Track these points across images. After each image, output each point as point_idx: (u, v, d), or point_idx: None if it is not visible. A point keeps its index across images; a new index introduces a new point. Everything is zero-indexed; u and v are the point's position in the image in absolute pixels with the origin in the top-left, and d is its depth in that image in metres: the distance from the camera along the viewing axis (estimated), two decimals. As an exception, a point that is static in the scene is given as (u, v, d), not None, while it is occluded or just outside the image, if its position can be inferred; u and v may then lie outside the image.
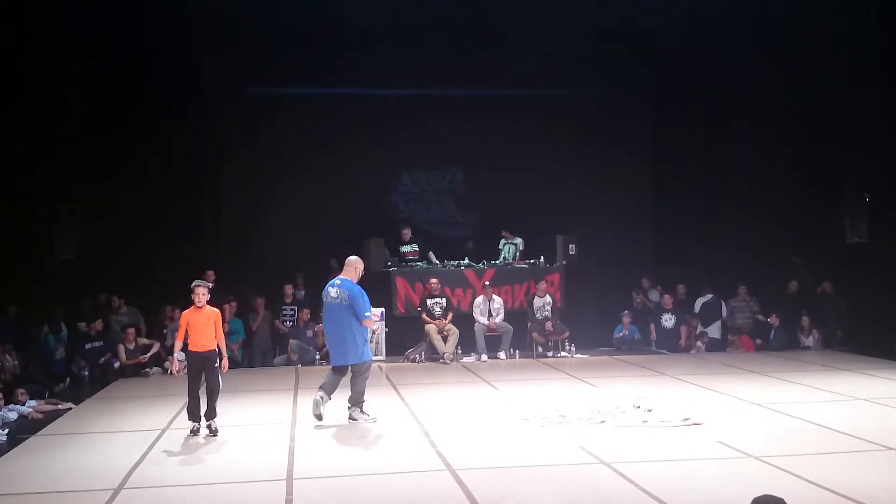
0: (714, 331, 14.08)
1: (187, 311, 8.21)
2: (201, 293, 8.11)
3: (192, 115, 14.63)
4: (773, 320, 13.69)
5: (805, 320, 13.53)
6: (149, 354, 12.07)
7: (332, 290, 8.51)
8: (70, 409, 9.45)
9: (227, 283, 13.40)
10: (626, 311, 14.29)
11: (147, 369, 11.92)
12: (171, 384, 11.13)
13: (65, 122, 13.57)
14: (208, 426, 7.97)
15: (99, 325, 12.21)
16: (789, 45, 14.71)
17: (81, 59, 13.84)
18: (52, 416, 9.05)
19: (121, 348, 11.99)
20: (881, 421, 8.09)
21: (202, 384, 8.03)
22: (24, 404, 9.25)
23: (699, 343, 13.75)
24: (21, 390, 9.50)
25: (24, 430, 8.40)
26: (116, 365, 11.89)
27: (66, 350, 12.08)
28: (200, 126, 14.88)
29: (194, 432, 7.98)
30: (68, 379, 11.51)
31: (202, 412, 8.00)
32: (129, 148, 14.10)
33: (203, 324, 8.05)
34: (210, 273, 12.83)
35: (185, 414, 8.09)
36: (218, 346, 8.11)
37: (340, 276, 8.62)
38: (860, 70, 13.35)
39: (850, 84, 13.51)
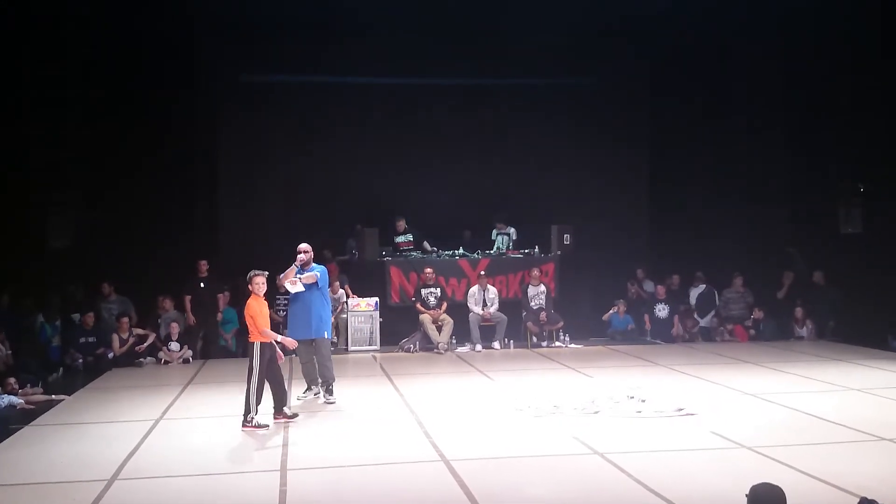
0: (708, 321, 14.11)
1: (254, 301, 7.87)
2: (261, 282, 7.88)
3: (186, 104, 14.55)
4: (757, 314, 13.73)
5: (799, 311, 13.56)
6: (145, 345, 12.04)
7: None
8: (63, 399, 9.41)
9: (221, 273, 13.35)
10: (621, 300, 14.28)
11: (141, 359, 11.89)
12: (165, 374, 11.15)
13: (59, 112, 13.50)
14: (249, 420, 7.71)
15: (91, 318, 12.16)
16: (788, 38, 14.63)
17: (75, 49, 13.75)
18: (44, 407, 9.01)
19: (115, 338, 11.96)
20: (874, 411, 8.12)
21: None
22: (15, 394, 9.21)
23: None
24: (12, 379, 9.47)
25: (16, 420, 8.37)
26: (110, 356, 11.86)
27: (61, 340, 12.03)
28: (194, 115, 14.79)
29: (291, 416, 7.95)
30: (62, 369, 11.48)
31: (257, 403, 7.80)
32: (123, 137, 14.04)
33: (267, 313, 7.97)
34: (203, 263, 12.81)
35: (178, 405, 8.05)
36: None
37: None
38: (856, 62, 13.31)
39: (847, 76, 13.49)
